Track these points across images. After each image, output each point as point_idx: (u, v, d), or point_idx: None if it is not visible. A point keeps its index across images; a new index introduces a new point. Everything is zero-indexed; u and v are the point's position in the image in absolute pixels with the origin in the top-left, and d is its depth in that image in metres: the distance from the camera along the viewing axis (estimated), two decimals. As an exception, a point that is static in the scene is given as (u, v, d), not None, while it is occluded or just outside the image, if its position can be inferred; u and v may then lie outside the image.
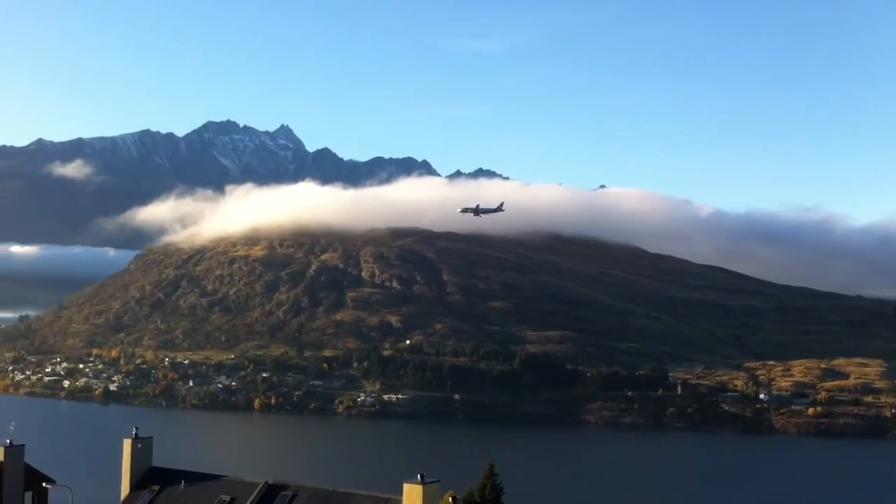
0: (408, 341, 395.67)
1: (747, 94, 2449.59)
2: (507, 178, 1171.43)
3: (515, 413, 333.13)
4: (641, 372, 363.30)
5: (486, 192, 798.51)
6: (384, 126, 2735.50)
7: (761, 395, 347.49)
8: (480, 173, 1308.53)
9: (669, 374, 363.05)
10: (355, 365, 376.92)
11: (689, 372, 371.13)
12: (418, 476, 51.33)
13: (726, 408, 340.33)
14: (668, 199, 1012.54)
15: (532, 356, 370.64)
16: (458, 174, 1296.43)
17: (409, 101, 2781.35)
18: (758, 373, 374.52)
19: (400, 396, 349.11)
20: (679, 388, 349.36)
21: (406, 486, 51.57)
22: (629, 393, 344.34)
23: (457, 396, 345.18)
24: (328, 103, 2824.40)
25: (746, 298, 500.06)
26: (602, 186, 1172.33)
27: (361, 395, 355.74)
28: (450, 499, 64.86)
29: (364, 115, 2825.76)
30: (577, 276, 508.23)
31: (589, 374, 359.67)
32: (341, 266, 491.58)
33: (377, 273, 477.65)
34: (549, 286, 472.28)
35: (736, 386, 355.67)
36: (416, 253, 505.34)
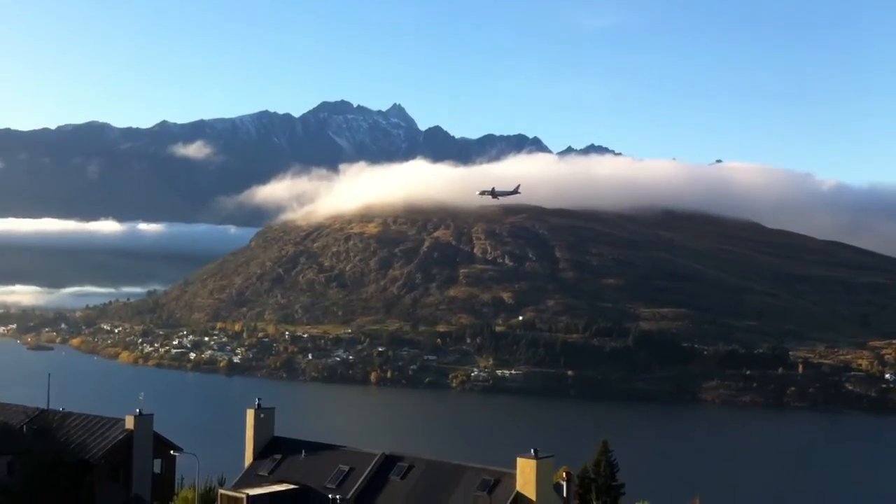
0: (520, 317, 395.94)
1: (869, 65, 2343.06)
2: (618, 154, 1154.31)
3: (629, 390, 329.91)
4: (760, 350, 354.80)
5: (596, 169, 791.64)
6: (496, 104, 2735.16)
7: (887, 375, 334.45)
8: (592, 149, 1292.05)
9: (790, 352, 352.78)
10: (468, 340, 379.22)
11: (811, 351, 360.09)
12: (532, 451, 51.42)
13: (850, 387, 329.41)
14: (788, 173, 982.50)
15: (646, 333, 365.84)
16: (569, 150, 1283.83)
17: (521, 78, 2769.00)
18: (883, 352, 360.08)
19: (513, 372, 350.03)
20: (800, 367, 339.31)
21: (520, 461, 51.80)
22: (748, 371, 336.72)
23: (570, 372, 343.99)
24: (440, 82, 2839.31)
25: (871, 275, 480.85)
26: (718, 161, 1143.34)
27: (475, 370, 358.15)
28: (564, 474, 64.90)
29: (476, 94, 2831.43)
30: (691, 253, 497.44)
31: (705, 352, 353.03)
32: (454, 243, 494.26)
33: (489, 249, 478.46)
34: (663, 263, 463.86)
35: (860, 365, 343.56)
36: (527, 229, 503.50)
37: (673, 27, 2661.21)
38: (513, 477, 52.45)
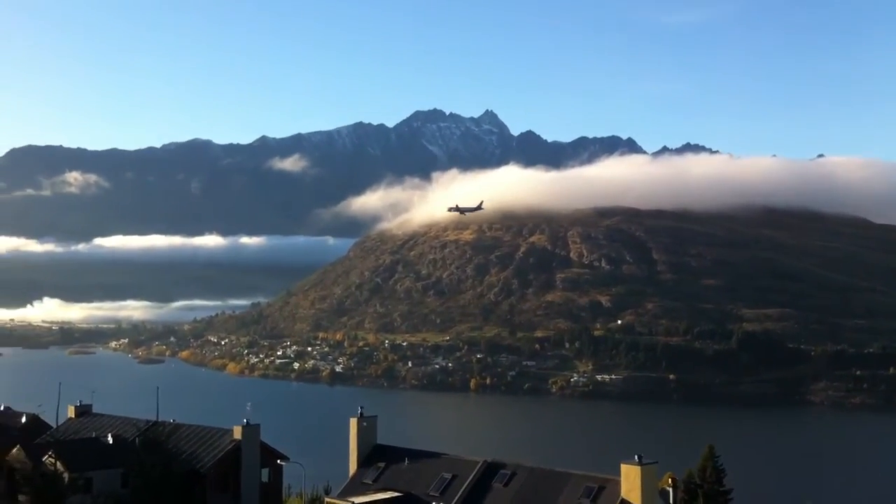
0: (619, 321, 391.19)
1: None
2: (715, 152, 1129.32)
3: (734, 393, 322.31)
4: (870, 350, 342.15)
5: (691, 168, 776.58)
6: (588, 106, 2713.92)
7: None
8: (687, 148, 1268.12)
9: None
10: (567, 345, 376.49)
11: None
12: (636, 457, 50.94)
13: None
14: (894, 166, 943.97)
15: (750, 335, 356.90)
16: (663, 150, 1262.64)
17: (613, 79, 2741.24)
18: None
19: (613, 377, 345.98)
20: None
21: (624, 467, 51.35)
22: (857, 372, 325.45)
23: (671, 376, 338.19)
24: (532, 86, 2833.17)
25: None
26: (820, 156, 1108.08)
27: (574, 375, 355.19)
28: (669, 480, 64.05)
29: (568, 96, 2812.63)
30: (795, 251, 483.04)
31: (813, 353, 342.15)
32: (549, 247, 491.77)
33: (585, 253, 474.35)
34: (765, 262, 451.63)
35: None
36: (623, 232, 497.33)
37: (760, 18, 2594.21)
38: (617, 483, 52.00)
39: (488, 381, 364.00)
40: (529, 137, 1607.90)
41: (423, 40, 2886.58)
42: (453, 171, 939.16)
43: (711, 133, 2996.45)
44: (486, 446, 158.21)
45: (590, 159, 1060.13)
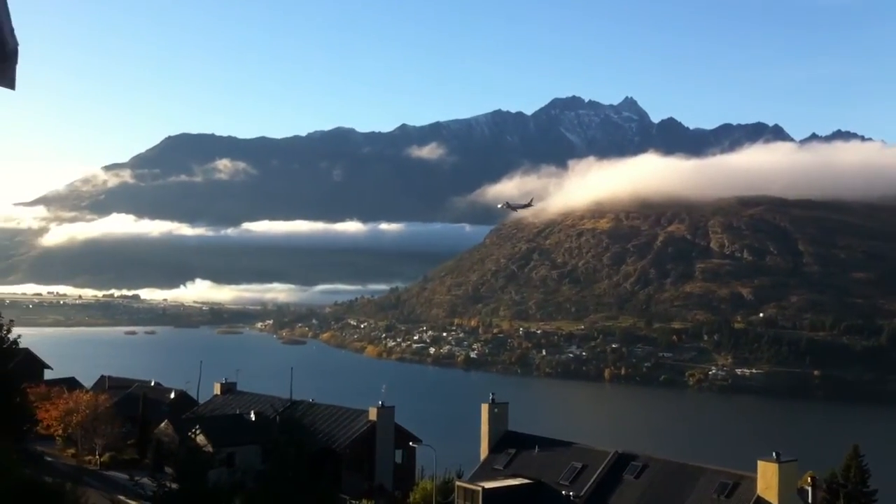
0: (761, 314, 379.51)
1: None
2: (867, 139, 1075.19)
3: (883, 392, 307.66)
4: None
5: (841, 156, 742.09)
6: (733, 91, 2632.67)
7: None
8: (837, 135, 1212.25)
9: None
10: (705, 337, 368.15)
11: None
12: (774, 454, 49.69)
13: None
14: None
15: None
16: (812, 138, 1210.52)
17: (759, 63, 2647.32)
18: None
19: (753, 371, 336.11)
20: None
21: (761, 464, 50.16)
22: None
23: (815, 372, 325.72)
24: (673, 72, 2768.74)
25: None
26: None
27: (713, 368, 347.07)
28: (808, 479, 62.07)
29: (711, 82, 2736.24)
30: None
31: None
32: (689, 237, 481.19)
33: (727, 243, 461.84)
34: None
35: None
36: (767, 222, 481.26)
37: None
38: (753, 480, 50.87)
39: (623, 371, 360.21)
40: (670, 125, 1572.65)
41: (562, 27, 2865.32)
42: (590, 159, 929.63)
43: (863, 120, 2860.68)
44: (618, 437, 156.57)
45: (732, 147, 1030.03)
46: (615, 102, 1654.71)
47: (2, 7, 6.78)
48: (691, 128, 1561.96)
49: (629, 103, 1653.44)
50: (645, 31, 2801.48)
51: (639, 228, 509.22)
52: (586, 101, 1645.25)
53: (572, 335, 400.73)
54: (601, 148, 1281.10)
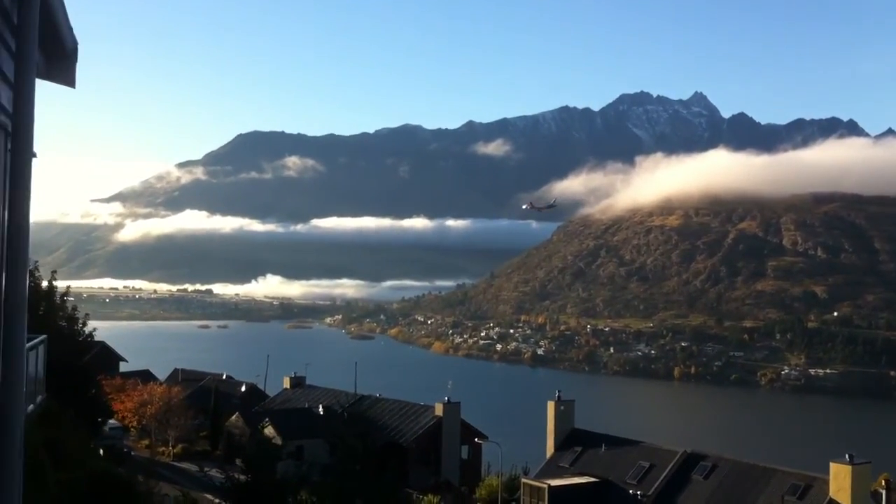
0: (835, 313, 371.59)
1: None
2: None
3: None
4: None
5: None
6: (806, 86, 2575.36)
7: None
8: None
9: None
10: (778, 336, 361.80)
11: None
12: (846, 456, 48.73)
13: None
14: None
15: None
16: (888, 133, 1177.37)
17: (833, 56, 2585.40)
18: None
19: (828, 371, 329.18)
20: None
21: (833, 466, 49.19)
22: None
23: (892, 372, 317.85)
24: (744, 66, 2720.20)
25: None
26: None
27: (785, 367, 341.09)
28: (883, 482, 60.58)
29: (784, 76, 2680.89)
30: None
31: None
32: (760, 234, 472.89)
33: (800, 241, 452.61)
34: None
35: None
36: (842, 219, 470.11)
37: None
38: (825, 483, 49.92)
39: (693, 370, 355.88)
40: (741, 120, 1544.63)
41: (629, 22, 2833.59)
42: (658, 155, 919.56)
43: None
44: (687, 437, 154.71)
45: (805, 142, 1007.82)
46: (684, 97, 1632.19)
47: (59, 7, 6.90)
48: (763, 123, 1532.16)
49: (699, 98, 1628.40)
50: (715, 25, 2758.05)
51: (709, 225, 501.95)
52: (655, 96, 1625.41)
53: (641, 333, 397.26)
54: (670, 144, 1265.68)
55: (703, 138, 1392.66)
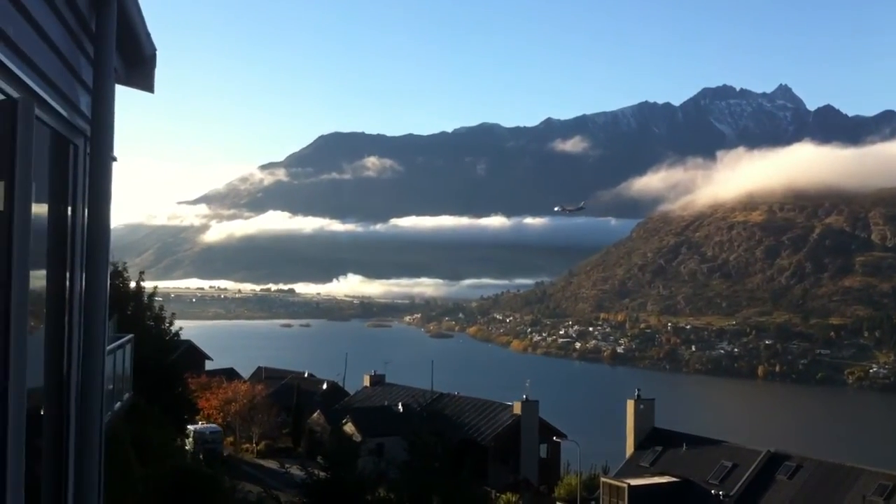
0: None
1: None
2: None
3: None
4: None
5: None
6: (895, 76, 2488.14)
7: None
8: None
9: None
10: (866, 334, 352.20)
11: None
12: (936, 457, 47.51)
13: None
14: None
15: None
16: None
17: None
18: None
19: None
20: None
21: (922, 467, 48.07)
22: None
23: None
24: (830, 57, 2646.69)
25: None
26: None
27: (874, 365, 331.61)
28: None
29: (871, 66, 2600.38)
30: None
31: None
32: (847, 229, 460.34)
33: (889, 235, 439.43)
34: None
35: None
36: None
37: None
38: (916, 484, 48.79)
39: (777, 368, 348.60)
40: (827, 112, 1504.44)
41: (710, 14, 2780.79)
42: (739, 150, 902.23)
43: None
44: (771, 436, 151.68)
45: (894, 134, 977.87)
46: (768, 90, 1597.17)
47: (136, 14, 7.06)
48: (850, 115, 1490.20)
49: (783, 91, 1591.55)
50: (799, 14, 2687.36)
51: (794, 221, 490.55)
52: (737, 89, 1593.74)
53: (723, 331, 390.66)
54: (753, 138, 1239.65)
55: (787, 132, 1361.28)
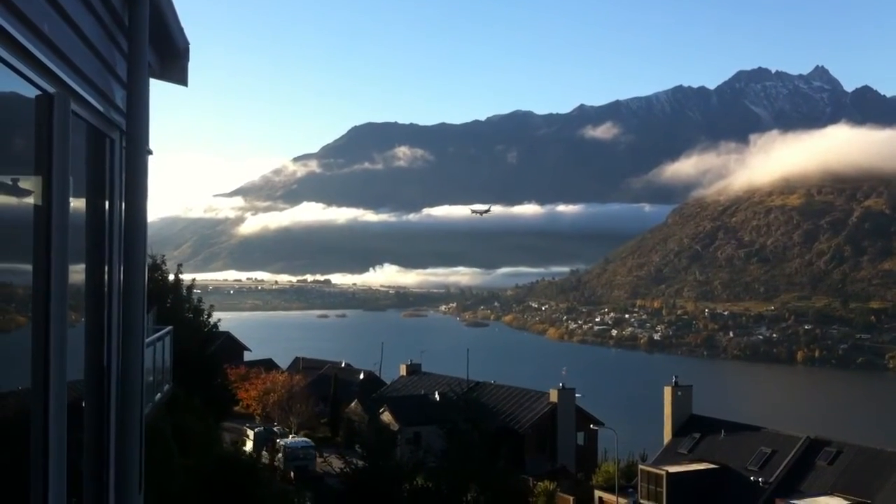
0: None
1: None
2: None
3: None
4: None
5: None
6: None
7: None
8: None
9: None
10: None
11: None
12: (979, 441, 46.87)
13: None
14: None
15: None
16: None
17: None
18: None
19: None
20: None
21: (965, 452, 47.50)
22: None
23: None
24: (868, 37, 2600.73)
25: None
26: None
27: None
28: None
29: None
30: None
31: None
32: (887, 211, 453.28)
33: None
34: None
35: None
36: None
37: None
38: (956, 469, 48.22)
39: (817, 353, 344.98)
40: (865, 93, 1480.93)
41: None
42: (773, 133, 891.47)
43: None
44: (810, 422, 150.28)
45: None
46: (805, 72, 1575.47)
47: (169, 9, 7.10)
48: (889, 96, 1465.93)
49: (820, 72, 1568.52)
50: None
51: (832, 204, 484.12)
52: (773, 71, 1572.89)
53: (761, 316, 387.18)
54: (790, 121, 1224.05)
55: (825, 113, 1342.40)
